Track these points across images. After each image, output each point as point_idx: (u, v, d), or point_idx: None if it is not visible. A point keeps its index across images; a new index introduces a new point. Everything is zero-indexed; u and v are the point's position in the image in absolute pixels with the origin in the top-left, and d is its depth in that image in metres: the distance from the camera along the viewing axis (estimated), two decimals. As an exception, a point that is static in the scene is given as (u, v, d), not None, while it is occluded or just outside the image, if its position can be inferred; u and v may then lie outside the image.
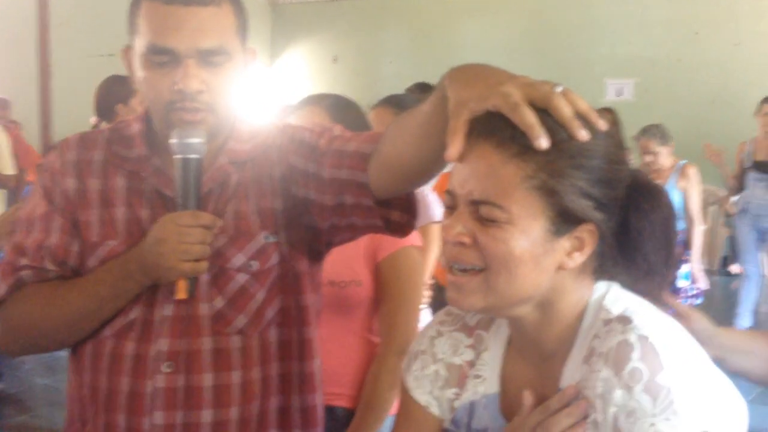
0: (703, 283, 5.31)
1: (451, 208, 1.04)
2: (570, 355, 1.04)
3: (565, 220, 0.99)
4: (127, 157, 1.48)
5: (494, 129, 0.98)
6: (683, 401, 0.91)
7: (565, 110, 0.96)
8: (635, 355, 0.94)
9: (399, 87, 4.98)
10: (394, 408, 2.10)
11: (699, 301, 5.21)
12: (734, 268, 8.85)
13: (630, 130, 4.90)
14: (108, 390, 1.43)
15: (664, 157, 5.04)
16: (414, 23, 11.48)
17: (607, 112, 8.04)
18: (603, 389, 0.95)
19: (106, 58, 10.48)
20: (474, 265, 1.01)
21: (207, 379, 1.41)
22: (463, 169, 1.01)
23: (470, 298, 1.02)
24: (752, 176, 6.35)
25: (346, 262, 2.05)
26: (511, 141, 0.97)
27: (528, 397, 1.05)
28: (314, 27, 12.25)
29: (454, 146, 0.99)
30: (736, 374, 1.67)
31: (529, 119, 0.95)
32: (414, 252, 2.15)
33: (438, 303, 3.50)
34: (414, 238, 2.13)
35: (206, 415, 1.41)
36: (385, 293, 2.12)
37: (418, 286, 2.17)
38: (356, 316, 2.11)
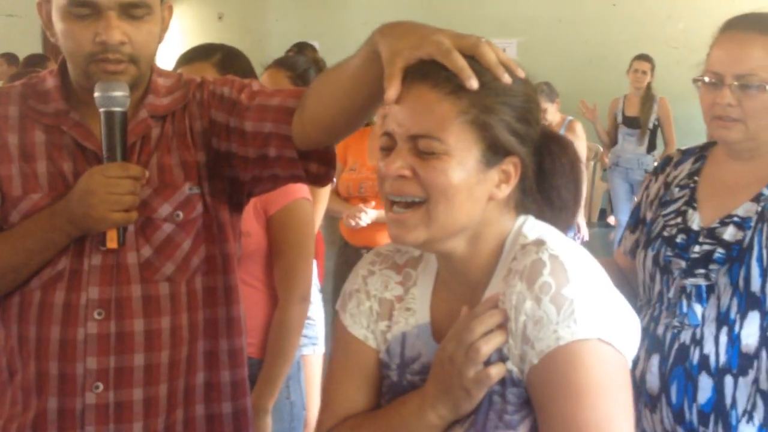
0: (584, 233, 5.61)
1: (388, 149, 1.13)
2: (492, 280, 1.16)
3: (494, 152, 1.11)
4: (44, 111, 1.49)
5: (429, 72, 1.09)
6: (583, 311, 1.05)
7: (490, 56, 1.09)
8: (546, 270, 1.07)
9: (286, 45, 4.93)
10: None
11: None
12: (612, 220, 9.30)
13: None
14: (38, 339, 1.45)
15: (552, 113, 5.27)
16: (300, -19, 11.37)
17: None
18: (516, 301, 1.08)
19: (5, 19, 9.97)
20: (415, 196, 1.11)
21: (138, 325, 1.46)
22: (401, 111, 1.10)
23: (413, 233, 1.12)
24: (623, 131, 6.87)
25: None
26: (446, 81, 1.08)
27: (465, 311, 1.14)
28: (198, -16, 11.96)
29: (392, 89, 1.10)
30: None
31: (461, 63, 1.07)
32: (305, 204, 2.22)
33: (343, 259, 3.60)
34: (303, 190, 2.21)
35: (138, 359, 1.46)
36: (280, 246, 2.19)
37: (311, 237, 2.26)
38: (248, 267, 2.16)
